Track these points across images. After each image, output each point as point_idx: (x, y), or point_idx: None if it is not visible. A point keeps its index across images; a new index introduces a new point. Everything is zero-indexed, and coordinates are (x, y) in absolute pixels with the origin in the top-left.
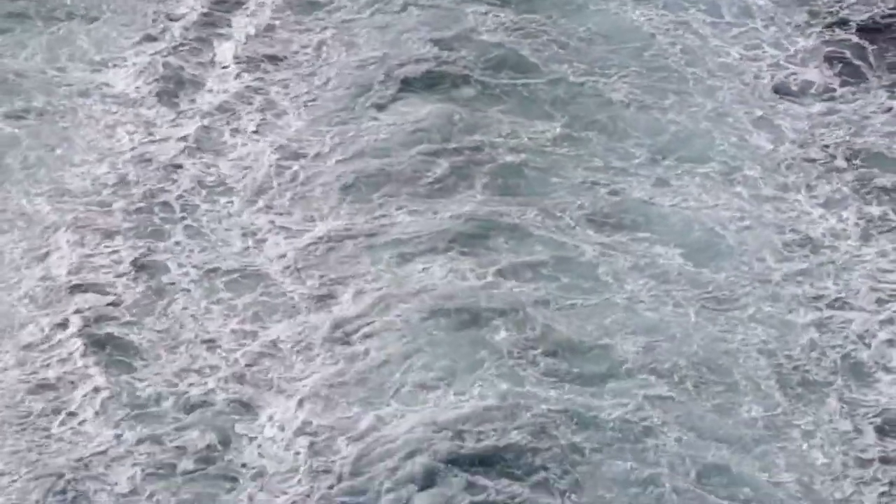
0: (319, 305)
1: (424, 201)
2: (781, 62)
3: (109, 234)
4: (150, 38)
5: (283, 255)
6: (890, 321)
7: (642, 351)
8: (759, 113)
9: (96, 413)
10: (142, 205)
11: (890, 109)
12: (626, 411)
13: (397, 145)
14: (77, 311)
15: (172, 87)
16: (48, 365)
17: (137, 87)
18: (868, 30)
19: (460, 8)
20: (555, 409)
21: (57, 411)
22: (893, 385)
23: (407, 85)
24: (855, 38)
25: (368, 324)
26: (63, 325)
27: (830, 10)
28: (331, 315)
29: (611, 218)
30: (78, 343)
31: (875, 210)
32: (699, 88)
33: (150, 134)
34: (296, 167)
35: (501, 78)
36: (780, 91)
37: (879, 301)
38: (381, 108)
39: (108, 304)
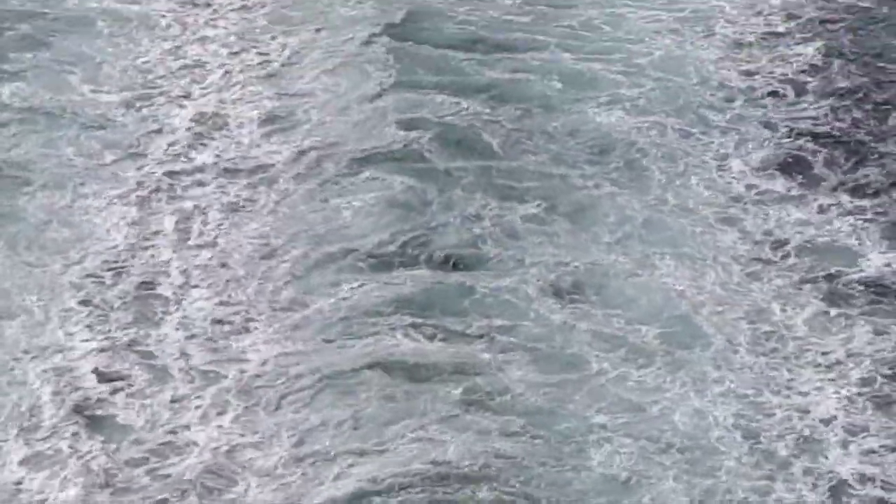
0: (266, 380)
1: (384, 273)
2: (743, 167)
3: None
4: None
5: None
6: (844, 406)
7: (615, 419)
8: (723, 212)
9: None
10: (127, 290)
11: (838, 211)
12: (601, 471)
13: (362, 221)
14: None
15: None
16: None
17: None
18: (820, 138)
19: (427, 97)
20: (515, 462)
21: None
22: (846, 458)
23: (373, 166)
24: (810, 146)
25: (317, 386)
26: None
27: (786, 121)
28: (277, 385)
29: (576, 293)
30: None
31: (827, 303)
32: (665, 186)
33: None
34: (266, 258)
35: (467, 161)
36: (743, 194)
37: (836, 388)
38: (347, 188)
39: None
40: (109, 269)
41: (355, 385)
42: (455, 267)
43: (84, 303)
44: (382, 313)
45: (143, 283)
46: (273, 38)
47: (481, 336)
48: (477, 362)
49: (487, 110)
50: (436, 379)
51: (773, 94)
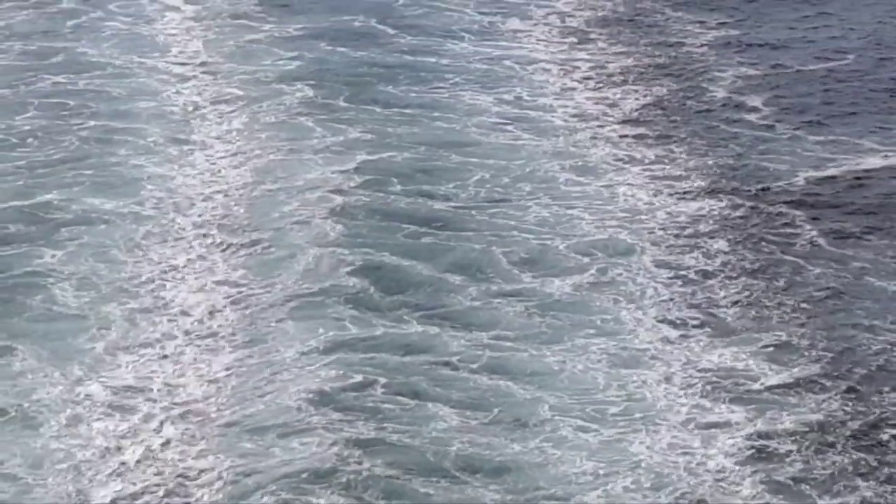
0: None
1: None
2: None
3: None
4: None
5: None
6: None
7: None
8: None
9: None
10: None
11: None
12: None
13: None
14: None
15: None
16: None
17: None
18: (726, 303)
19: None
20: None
21: None
22: None
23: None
24: (722, 309)
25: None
26: None
27: (703, 295)
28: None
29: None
30: None
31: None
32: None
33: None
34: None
35: (407, 298)
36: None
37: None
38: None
39: None
40: None
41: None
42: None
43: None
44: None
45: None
46: (244, 231)
47: None
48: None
49: (437, 272)
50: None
51: (689, 281)
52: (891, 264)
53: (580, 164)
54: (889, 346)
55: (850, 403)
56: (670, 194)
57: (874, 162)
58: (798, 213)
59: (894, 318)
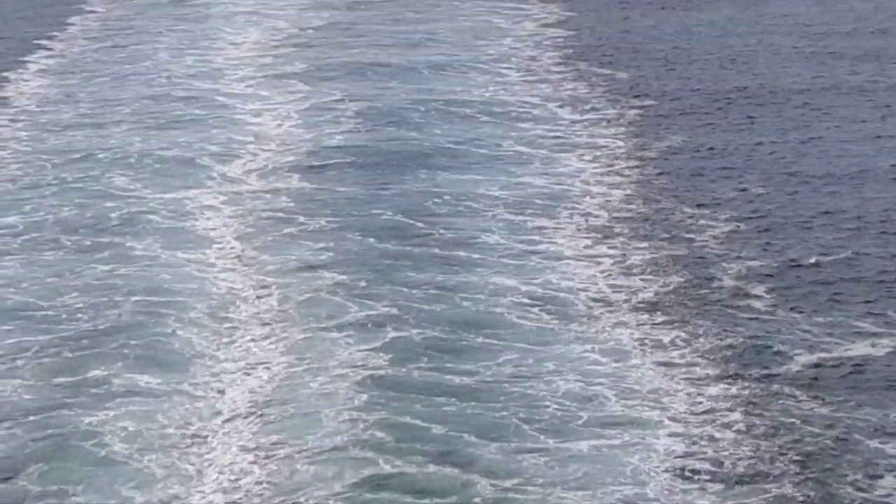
0: None
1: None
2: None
3: None
4: None
5: None
6: None
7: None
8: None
9: None
10: None
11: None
12: None
13: None
14: None
15: None
16: None
17: None
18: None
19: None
20: None
21: None
22: None
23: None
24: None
25: None
26: None
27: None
28: None
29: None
30: None
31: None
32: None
33: None
34: None
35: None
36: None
37: None
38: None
39: None
40: None
41: None
42: None
43: None
44: None
45: None
46: (274, 401)
47: None
48: None
49: (458, 433)
50: None
51: (703, 445)
52: (874, 427)
53: (605, 345)
54: (869, 498)
55: None
56: (686, 377)
57: (866, 345)
58: (798, 392)
59: (875, 472)
